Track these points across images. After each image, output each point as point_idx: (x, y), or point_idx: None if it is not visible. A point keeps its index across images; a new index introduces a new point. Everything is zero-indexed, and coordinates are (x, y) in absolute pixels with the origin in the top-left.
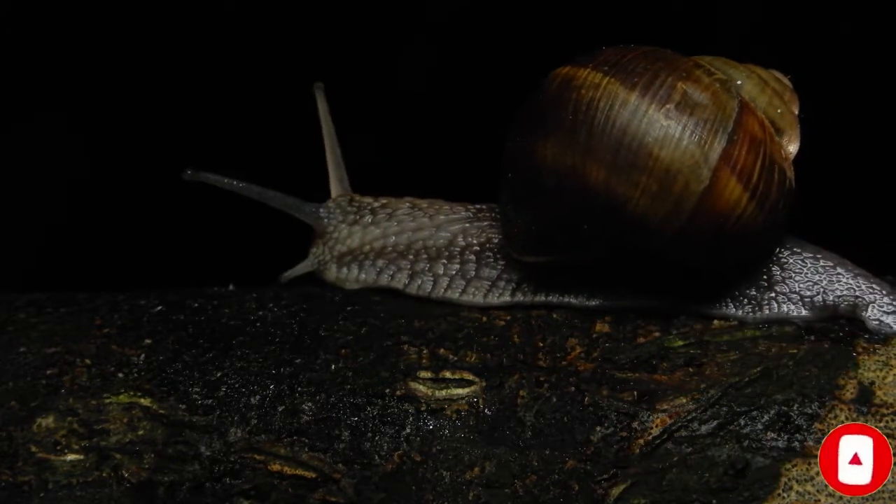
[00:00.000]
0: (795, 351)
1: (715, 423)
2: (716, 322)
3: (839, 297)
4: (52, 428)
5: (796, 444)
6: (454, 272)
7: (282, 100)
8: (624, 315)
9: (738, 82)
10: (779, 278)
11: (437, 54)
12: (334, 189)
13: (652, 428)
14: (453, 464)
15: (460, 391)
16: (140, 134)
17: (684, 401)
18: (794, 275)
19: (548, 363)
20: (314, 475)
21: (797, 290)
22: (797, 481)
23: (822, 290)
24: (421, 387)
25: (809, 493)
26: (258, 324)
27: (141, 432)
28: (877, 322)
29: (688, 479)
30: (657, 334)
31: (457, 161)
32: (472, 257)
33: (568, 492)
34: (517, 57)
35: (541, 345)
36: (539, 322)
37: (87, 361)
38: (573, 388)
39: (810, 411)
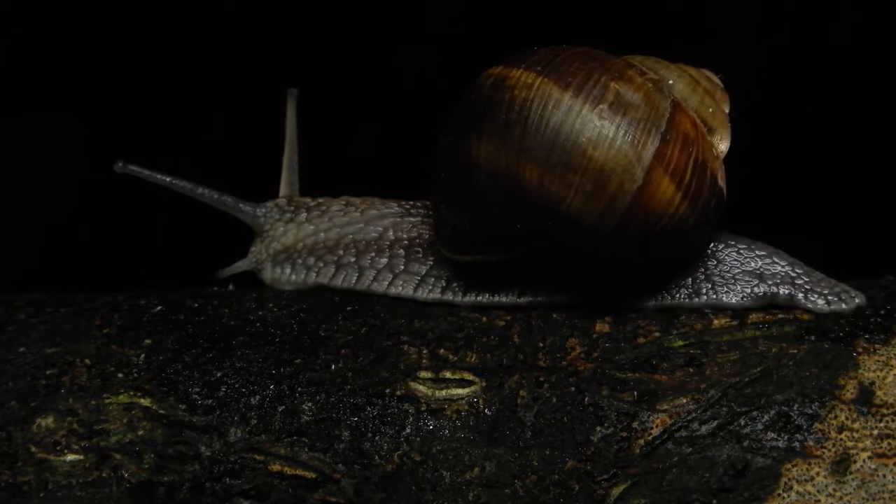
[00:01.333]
0: (796, 351)
1: (715, 423)
2: (716, 322)
3: (776, 284)
4: (51, 428)
5: (796, 444)
6: (381, 265)
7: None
8: (624, 315)
9: (670, 82)
10: (714, 269)
11: (436, 53)
12: (283, 191)
13: (652, 428)
14: (453, 464)
15: (460, 391)
16: (140, 134)
17: (684, 401)
18: (729, 265)
19: (548, 363)
20: (314, 475)
21: (733, 279)
22: (797, 481)
23: (758, 278)
24: (421, 387)
25: (810, 494)
26: (258, 324)
27: (141, 432)
28: (813, 305)
29: (688, 479)
30: (657, 334)
31: None
32: (401, 252)
33: (568, 492)
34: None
35: (541, 345)
36: (539, 322)
37: (87, 361)
38: (573, 389)
39: (810, 411)
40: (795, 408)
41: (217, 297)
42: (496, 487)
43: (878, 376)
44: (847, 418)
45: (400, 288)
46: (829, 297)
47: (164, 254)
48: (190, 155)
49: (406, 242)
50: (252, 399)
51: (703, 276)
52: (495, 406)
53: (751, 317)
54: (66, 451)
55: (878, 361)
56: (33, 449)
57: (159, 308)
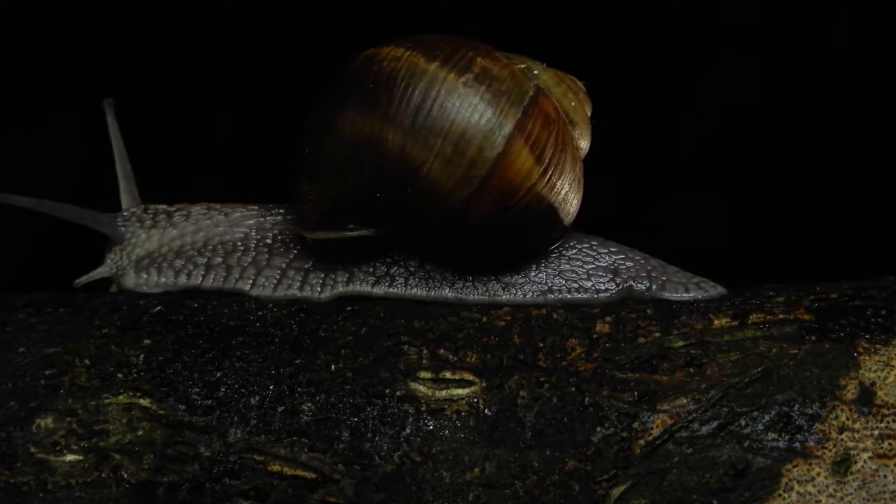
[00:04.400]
0: (796, 351)
1: (716, 423)
2: (716, 322)
3: (630, 277)
4: (51, 428)
5: (797, 444)
6: (247, 263)
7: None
8: (624, 315)
9: (535, 72)
10: (566, 265)
11: None
12: (125, 200)
13: (652, 428)
14: (453, 464)
15: (460, 391)
16: (140, 134)
17: (685, 401)
18: (582, 262)
19: (548, 363)
20: (314, 476)
21: (586, 274)
22: (798, 482)
23: (612, 273)
24: (421, 387)
25: (810, 494)
26: (258, 324)
27: (140, 433)
28: (671, 294)
29: (688, 479)
30: (657, 334)
31: None
32: (265, 248)
33: (568, 492)
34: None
35: (541, 345)
36: (539, 322)
37: (87, 362)
38: (573, 389)
39: (811, 412)
40: (796, 408)
41: (217, 297)
42: (496, 488)
43: (879, 376)
44: (848, 419)
45: (262, 288)
46: (688, 286)
47: None
48: (190, 156)
49: (269, 240)
50: (252, 399)
51: (556, 273)
52: (495, 406)
53: (751, 317)
54: (65, 452)
55: (879, 362)
56: (33, 449)
57: (159, 308)
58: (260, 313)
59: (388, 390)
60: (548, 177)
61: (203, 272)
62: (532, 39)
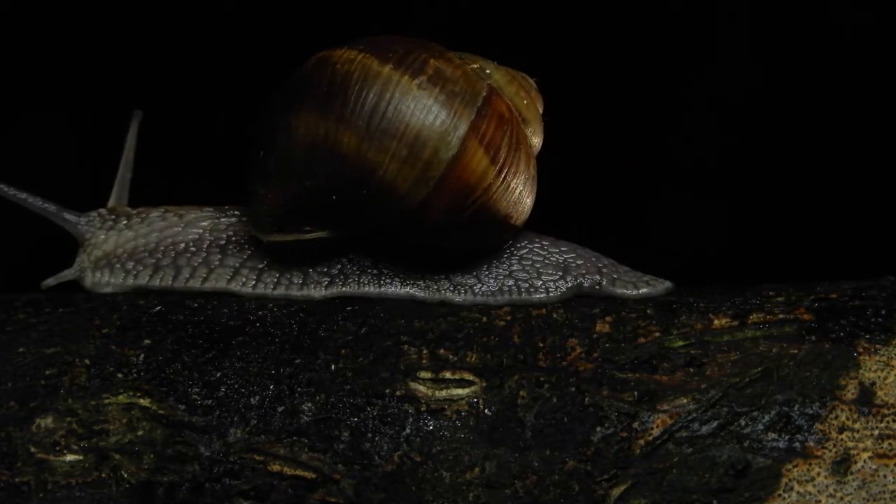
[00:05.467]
0: (796, 351)
1: (716, 423)
2: (716, 322)
3: (581, 275)
4: (51, 428)
5: (797, 444)
6: (198, 263)
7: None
8: (624, 315)
9: (488, 71)
10: (517, 264)
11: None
12: (110, 205)
13: (652, 428)
14: (453, 464)
15: (460, 391)
16: (139, 134)
17: (685, 401)
18: (531, 260)
19: (548, 363)
20: (314, 476)
21: (536, 273)
22: (798, 482)
23: (562, 270)
24: (421, 387)
25: (810, 494)
26: (258, 324)
27: (140, 433)
28: (622, 291)
29: (688, 479)
30: (657, 334)
31: None
32: (217, 249)
33: (568, 492)
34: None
35: (541, 345)
36: (539, 322)
37: (87, 362)
38: (573, 389)
39: (811, 412)
40: (796, 408)
41: (217, 297)
42: (496, 488)
43: (879, 376)
44: (848, 418)
45: (214, 282)
46: (638, 283)
47: None
48: (189, 156)
49: (223, 241)
50: (252, 399)
51: (507, 272)
52: (495, 406)
53: (751, 317)
54: (65, 452)
55: (879, 362)
56: (33, 449)
57: (158, 308)
58: (260, 313)
59: (388, 390)
60: (503, 176)
61: (151, 272)
62: (532, 40)
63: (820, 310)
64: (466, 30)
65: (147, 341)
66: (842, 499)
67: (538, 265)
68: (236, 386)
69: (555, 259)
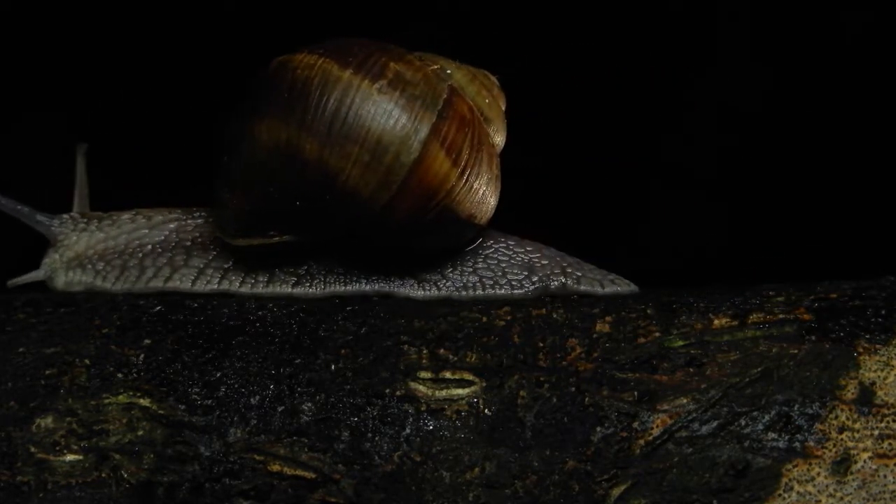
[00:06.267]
0: (796, 351)
1: (716, 423)
2: (716, 322)
3: (546, 275)
4: (51, 428)
5: (797, 444)
6: (162, 263)
7: None
8: (624, 315)
9: (448, 71)
10: (482, 263)
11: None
12: (75, 209)
13: (652, 428)
14: (453, 464)
15: (460, 391)
16: (139, 134)
17: (685, 401)
18: (497, 259)
19: (548, 363)
20: (314, 475)
21: (502, 272)
22: (798, 482)
23: (528, 270)
24: (421, 387)
25: (810, 494)
26: (258, 324)
27: (140, 433)
28: (588, 289)
29: (688, 479)
30: (657, 334)
31: None
32: (183, 250)
33: (568, 492)
34: (518, 60)
35: (541, 345)
36: (539, 322)
37: (87, 362)
38: (573, 389)
39: (811, 412)
40: (796, 408)
41: (216, 297)
42: (496, 488)
43: (879, 376)
44: (848, 418)
45: (178, 282)
46: (603, 282)
47: None
48: (186, 157)
49: (189, 242)
50: (252, 399)
51: (471, 270)
52: (495, 406)
53: (751, 317)
54: (65, 452)
55: (879, 361)
56: (33, 449)
57: (158, 308)
58: (260, 313)
59: (388, 390)
60: (465, 178)
61: (118, 273)
62: (532, 40)
63: (820, 310)
64: (466, 29)
65: (147, 341)
66: (842, 499)
67: (503, 264)
68: (236, 386)
69: (520, 259)
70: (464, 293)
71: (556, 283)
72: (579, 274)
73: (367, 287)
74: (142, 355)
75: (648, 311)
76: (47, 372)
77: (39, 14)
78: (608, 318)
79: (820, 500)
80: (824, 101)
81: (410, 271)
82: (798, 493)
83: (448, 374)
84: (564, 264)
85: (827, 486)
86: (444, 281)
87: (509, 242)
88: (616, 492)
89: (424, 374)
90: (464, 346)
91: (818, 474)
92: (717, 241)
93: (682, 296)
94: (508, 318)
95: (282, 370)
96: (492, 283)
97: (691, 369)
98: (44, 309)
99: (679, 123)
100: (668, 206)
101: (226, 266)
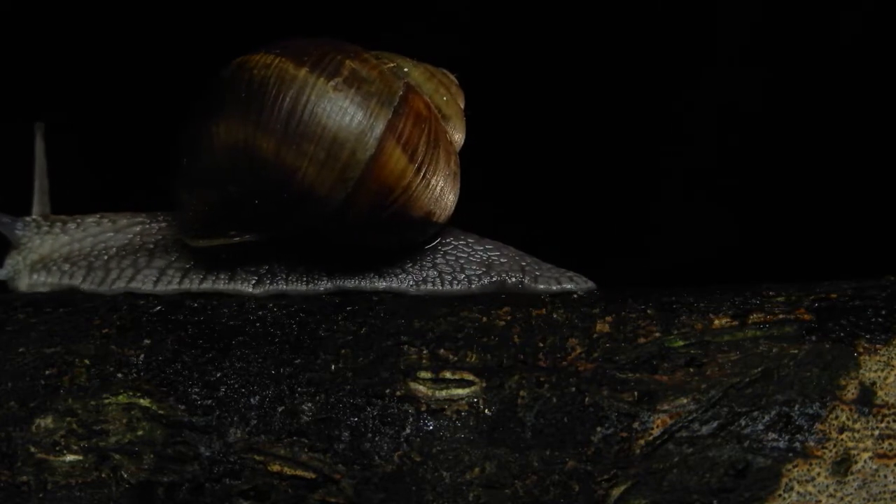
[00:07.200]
0: (796, 351)
1: (716, 423)
2: (716, 322)
3: (504, 271)
4: (51, 428)
5: (797, 444)
6: (126, 265)
7: None
8: (624, 315)
9: (406, 70)
10: (441, 259)
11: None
12: (35, 212)
13: (652, 428)
14: (453, 464)
15: (460, 391)
16: (138, 134)
17: (685, 401)
18: (456, 256)
19: (548, 363)
20: (314, 476)
21: (460, 268)
22: (798, 482)
23: (485, 267)
24: (421, 387)
25: (811, 494)
26: (258, 324)
27: (140, 433)
28: (545, 286)
29: (688, 479)
30: (658, 334)
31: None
32: (146, 252)
33: (568, 492)
34: (519, 61)
35: (541, 345)
36: (539, 322)
37: (87, 362)
38: (573, 389)
39: (811, 412)
40: (796, 408)
41: (216, 297)
42: (496, 488)
43: (880, 376)
44: (848, 419)
45: (140, 283)
46: (561, 280)
47: None
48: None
49: (152, 245)
50: (252, 399)
51: (430, 265)
52: (495, 406)
53: (751, 317)
54: (65, 452)
55: (880, 362)
56: (32, 449)
57: (158, 308)
58: (260, 313)
59: (388, 390)
60: (422, 174)
61: (84, 273)
62: (533, 40)
63: (820, 310)
64: (466, 29)
65: (147, 341)
66: (842, 499)
67: (462, 261)
68: (236, 386)
69: (479, 256)
70: (423, 287)
71: (513, 279)
72: (538, 273)
73: (329, 285)
74: (142, 355)
75: (649, 311)
76: (47, 372)
77: None
78: (608, 318)
79: (820, 501)
80: (824, 101)
81: (371, 267)
82: (798, 493)
83: (448, 375)
84: (523, 263)
85: (827, 486)
86: (404, 275)
87: (469, 240)
88: (616, 492)
89: (424, 375)
90: (464, 346)
91: (818, 474)
92: (718, 241)
93: (682, 296)
94: (508, 318)
95: (282, 370)
96: (450, 278)
97: (691, 369)
98: (44, 309)
99: (679, 124)
100: (668, 207)
101: (187, 266)
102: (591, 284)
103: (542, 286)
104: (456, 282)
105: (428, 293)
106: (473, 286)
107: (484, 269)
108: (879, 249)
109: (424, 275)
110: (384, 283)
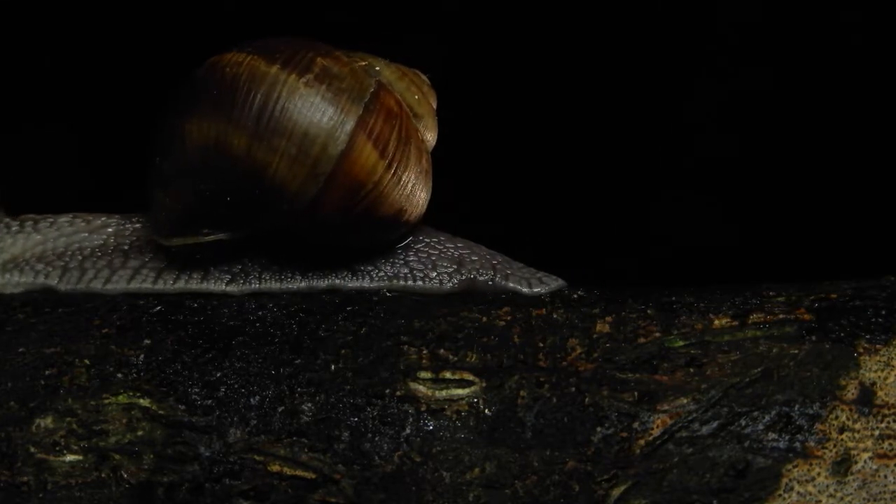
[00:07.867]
0: (797, 351)
1: (716, 423)
2: (717, 322)
3: (475, 269)
4: (50, 428)
5: (797, 444)
6: (101, 266)
7: None
8: (624, 315)
9: (377, 68)
10: (412, 256)
11: (442, 52)
12: None
13: (653, 428)
14: (453, 464)
15: (460, 392)
16: (137, 135)
17: (685, 401)
18: (427, 253)
19: (548, 363)
20: (314, 476)
21: (432, 265)
22: (798, 482)
23: (457, 264)
24: (421, 387)
25: (811, 494)
26: (258, 324)
27: (140, 433)
28: (515, 286)
29: (688, 479)
30: (658, 334)
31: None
32: (121, 253)
33: (568, 492)
34: (519, 61)
35: (541, 345)
36: (539, 322)
37: (86, 362)
38: (574, 389)
39: (811, 412)
40: (796, 408)
41: (216, 297)
42: (496, 488)
43: (880, 377)
44: (848, 419)
45: (115, 284)
46: (531, 281)
47: None
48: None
49: (126, 246)
50: (252, 399)
51: (402, 262)
52: (495, 406)
53: (751, 317)
54: (65, 452)
55: (880, 362)
56: (32, 449)
57: (158, 308)
58: (260, 313)
59: (388, 390)
60: (393, 170)
61: (60, 273)
62: (533, 40)
63: (820, 310)
64: (467, 29)
65: (147, 341)
66: (842, 499)
67: (434, 258)
68: (236, 386)
69: (450, 253)
70: (395, 282)
71: (484, 277)
72: (508, 271)
73: (303, 283)
74: (142, 355)
75: (649, 311)
76: (47, 372)
77: None
78: (608, 318)
79: (820, 501)
80: (824, 101)
81: (344, 265)
82: (798, 493)
83: (448, 375)
84: (494, 262)
85: (827, 486)
86: (377, 272)
87: (441, 238)
88: (616, 492)
89: (424, 375)
90: (464, 346)
91: (818, 474)
92: (717, 241)
93: (682, 296)
94: (508, 318)
95: (282, 370)
96: (422, 275)
97: (691, 369)
98: (43, 309)
99: (679, 123)
100: (668, 206)
101: (161, 266)
102: (561, 283)
103: (511, 285)
104: (427, 279)
105: (400, 290)
106: (445, 283)
107: (455, 267)
108: (879, 249)
109: (396, 271)
110: (356, 282)
